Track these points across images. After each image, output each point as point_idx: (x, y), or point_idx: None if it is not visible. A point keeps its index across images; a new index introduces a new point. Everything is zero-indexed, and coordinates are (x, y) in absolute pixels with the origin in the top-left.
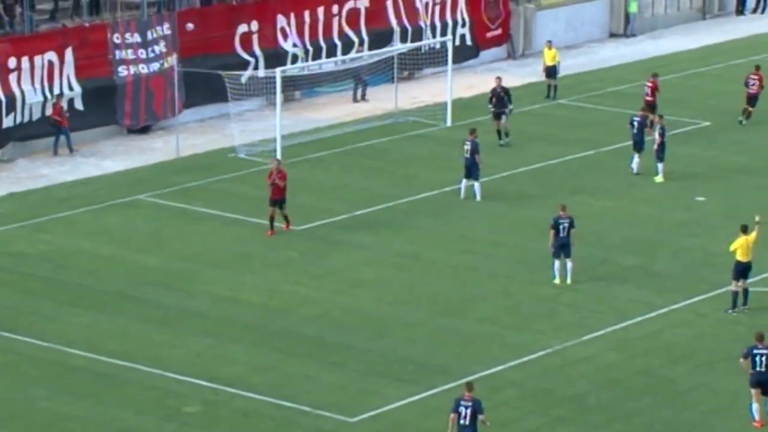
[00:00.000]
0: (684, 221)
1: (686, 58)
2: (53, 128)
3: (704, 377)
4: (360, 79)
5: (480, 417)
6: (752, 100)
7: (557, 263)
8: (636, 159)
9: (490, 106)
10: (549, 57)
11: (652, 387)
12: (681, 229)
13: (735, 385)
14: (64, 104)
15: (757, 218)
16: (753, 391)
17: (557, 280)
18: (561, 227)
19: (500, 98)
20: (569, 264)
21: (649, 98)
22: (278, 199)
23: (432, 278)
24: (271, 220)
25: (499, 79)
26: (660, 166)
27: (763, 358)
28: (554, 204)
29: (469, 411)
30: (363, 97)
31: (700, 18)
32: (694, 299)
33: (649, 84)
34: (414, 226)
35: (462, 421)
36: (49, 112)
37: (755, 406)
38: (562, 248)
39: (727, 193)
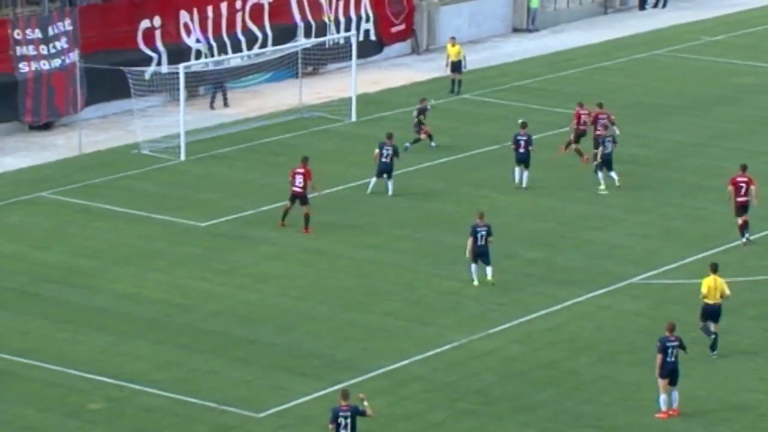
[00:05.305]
0: (586, 214)
1: (588, 53)
2: None
3: (607, 369)
4: (220, 85)
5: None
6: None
7: (474, 266)
8: (518, 172)
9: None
10: (453, 52)
11: (555, 379)
12: (583, 222)
13: (637, 377)
14: None
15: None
16: (661, 381)
17: (476, 282)
18: (479, 235)
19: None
20: (489, 269)
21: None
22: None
23: (337, 273)
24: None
25: (424, 100)
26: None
27: (674, 349)
28: (458, 198)
29: (349, 420)
30: (225, 104)
31: (601, 12)
32: (597, 292)
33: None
34: (320, 221)
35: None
36: None
37: (663, 397)
38: (481, 256)
39: (629, 186)
